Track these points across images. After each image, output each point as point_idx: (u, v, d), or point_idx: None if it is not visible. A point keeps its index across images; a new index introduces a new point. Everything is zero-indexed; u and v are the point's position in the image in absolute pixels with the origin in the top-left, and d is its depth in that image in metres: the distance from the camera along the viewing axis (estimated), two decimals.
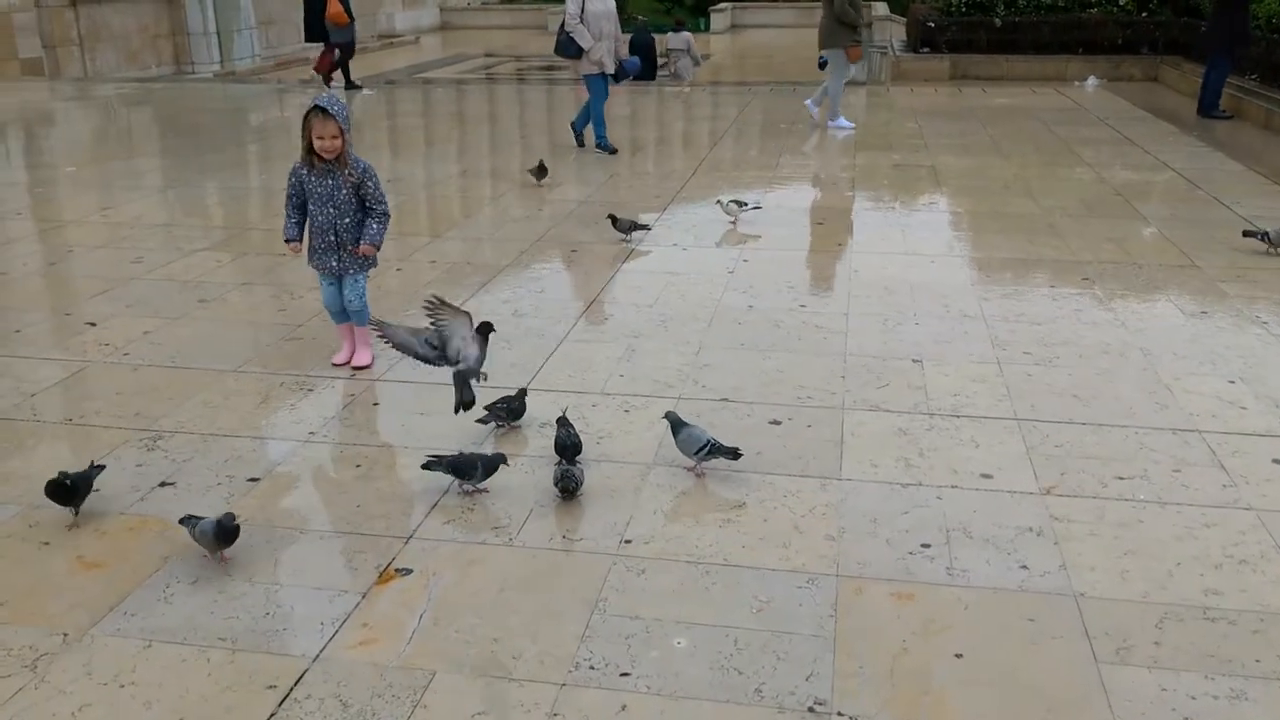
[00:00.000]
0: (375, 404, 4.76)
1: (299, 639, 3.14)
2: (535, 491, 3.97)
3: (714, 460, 4.06)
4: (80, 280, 6.79)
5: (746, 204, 7.95)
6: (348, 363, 5.15)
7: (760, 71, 20.44)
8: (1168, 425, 4.51)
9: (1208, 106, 12.91)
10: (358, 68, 17.48)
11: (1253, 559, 3.54)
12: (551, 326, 5.71)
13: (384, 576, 3.43)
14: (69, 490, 3.71)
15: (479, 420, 4.43)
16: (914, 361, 5.29)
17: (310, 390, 4.92)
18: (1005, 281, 6.60)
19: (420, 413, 4.65)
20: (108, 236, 7.74)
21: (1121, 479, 4.07)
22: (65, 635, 3.15)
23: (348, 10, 15.78)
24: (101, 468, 3.91)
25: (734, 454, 4.06)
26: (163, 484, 4.04)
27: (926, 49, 17.81)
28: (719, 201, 8.01)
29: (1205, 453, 4.27)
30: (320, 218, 4.93)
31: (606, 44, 10.55)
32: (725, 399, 4.80)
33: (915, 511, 3.84)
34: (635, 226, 7.53)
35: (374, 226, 4.97)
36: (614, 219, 7.50)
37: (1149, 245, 7.40)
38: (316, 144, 4.79)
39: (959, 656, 3.06)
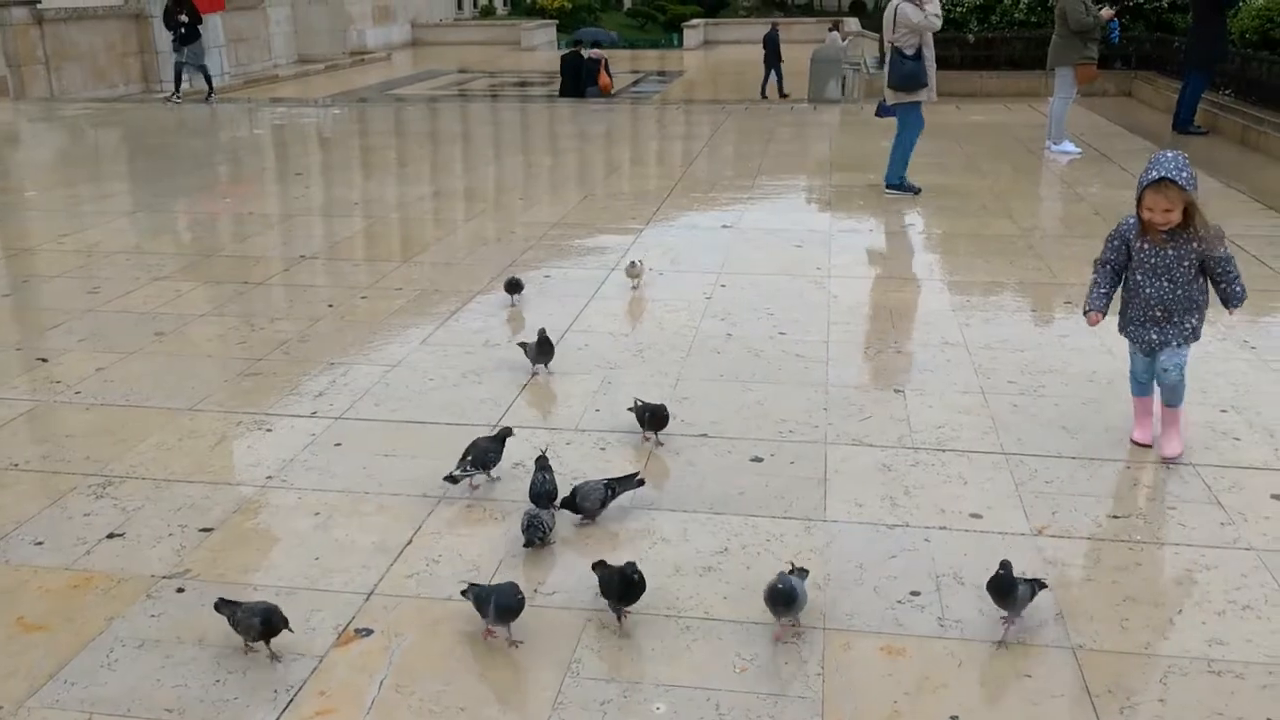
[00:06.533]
0: (337, 445, 4.54)
1: (251, 709, 2.92)
2: (506, 540, 3.77)
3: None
4: (33, 312, 6.55)
5: (638, 263, 6.77)
6: (1148, 444, 4.46)
7: (734, 89, 20.35)
8: (1160, 459, 4.37)
9: (1183, 122, 12.88)
10: (330, 85, 18.87)
11: (1256, 604, 3.38)
12: (524, 357, 5.51)
13: (343, 638, 3.22)
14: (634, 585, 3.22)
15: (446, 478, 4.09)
16: (896, 391, 5.14)
17: (269, 430, 4.70)
18: (987, 306, 6.46)
19: (384, 454, 4.45)
20: (65, 265, 7.49)
21: (1116, 518, 3.92)
22: (0, 709, 2.93)
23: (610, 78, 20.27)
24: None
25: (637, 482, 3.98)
26: (111, 535, 3.81)
27: None
28: (634, 263, 6.80)
29: (1201, 489, 4.12)
30: (1149, 290, 4.31)
31: None
32: (704, 434, 4.63)
33: (903, 555, 3.67)
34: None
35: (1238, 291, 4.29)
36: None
37: None
38: (1145, 215, 4.17)
39: (954, 718, 2.89)
